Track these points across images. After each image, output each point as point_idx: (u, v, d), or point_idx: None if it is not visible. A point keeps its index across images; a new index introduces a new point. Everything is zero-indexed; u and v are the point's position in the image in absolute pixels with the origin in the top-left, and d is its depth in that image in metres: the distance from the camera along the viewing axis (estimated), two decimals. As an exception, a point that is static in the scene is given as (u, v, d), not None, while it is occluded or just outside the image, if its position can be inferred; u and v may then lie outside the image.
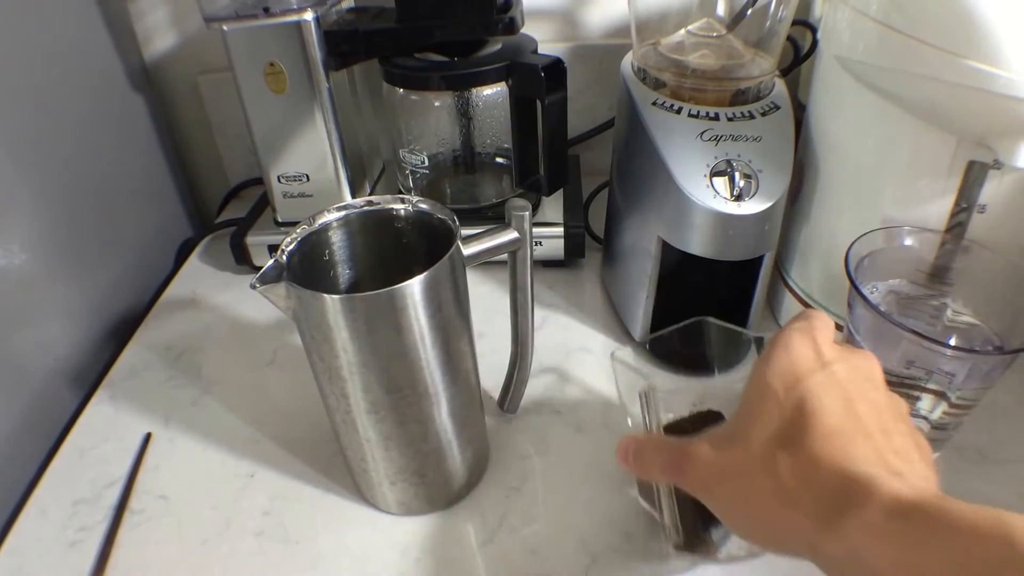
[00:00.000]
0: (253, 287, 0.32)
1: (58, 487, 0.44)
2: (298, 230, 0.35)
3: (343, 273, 0.39)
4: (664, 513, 0.35)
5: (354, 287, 0.39)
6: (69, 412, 0.51)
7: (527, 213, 0.37)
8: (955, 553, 0.20)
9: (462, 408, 0.38)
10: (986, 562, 0.19)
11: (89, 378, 0.53)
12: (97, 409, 0.50)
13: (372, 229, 0.38)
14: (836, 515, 0.23)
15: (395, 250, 0.38)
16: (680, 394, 0.39)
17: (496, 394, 0.46)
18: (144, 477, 0.44)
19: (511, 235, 0.37)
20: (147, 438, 0.47)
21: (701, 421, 0.38)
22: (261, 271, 0.32)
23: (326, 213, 0.37)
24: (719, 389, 0.40)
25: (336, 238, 0.37)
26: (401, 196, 0.38)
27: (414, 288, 0.32)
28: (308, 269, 0.36)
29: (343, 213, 0.37)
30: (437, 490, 0.40)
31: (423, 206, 0.37)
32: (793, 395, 0.26)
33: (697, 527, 0.35)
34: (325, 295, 0.31)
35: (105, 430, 0.48)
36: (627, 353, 0.40)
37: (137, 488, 0.43)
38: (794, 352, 0.27)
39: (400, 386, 0.34)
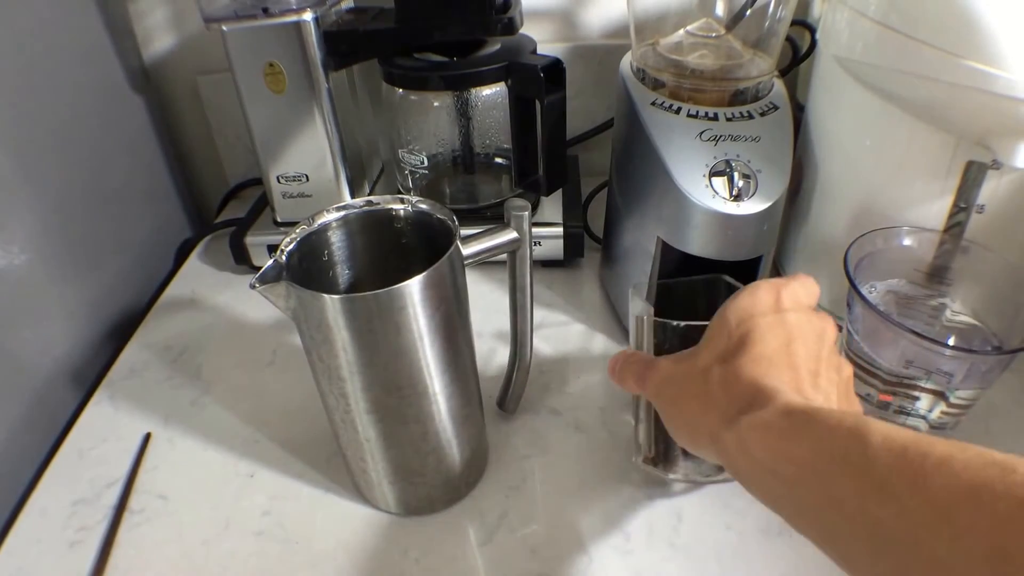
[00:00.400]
0: (253, 287, 0.32)
1: (58, 487, 0.44)
2: (297, 230, 0.35)
3: (342, 273, 0.39)
4: (640, 429, 0.39)
5: (354, 287, 0.39)
6: (69, 412, 0.51)
7: (526, 213, 0.37)
8: (817, 443, 0.24)
9: (461, 408, 0.38)
10: (843, 450, 0.23)
11: (89, 378, 0.53)
12: (97, 409, 0.50)
13: (371, 229, 0.38)
14: (738, 414, 0.27)
15: (394, 250, 0.38)
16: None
17: (496, 394, 0.46)
18: (143, 477, 0.44)
19: (510, 235, 0.37)
20: (146, 438, 0.47)
21: None
22: (261, 271, 0.32)
23: (325, 213, 0.37)
24: None
25: (335, 238, 0.37)
26: (400, 196, 0.38)
27: (413, 288, 0.32)
28: (307, 269, 0.36)
29: (342, 213, 0.37)
30: (436, 490, 0.40)
31: (422, 206, 0.37)
32: (742, 327, 0.30)
33: (670, 449, 0.39)
34: (325, 295, 0.31)
35: (105, 430, 0.48)
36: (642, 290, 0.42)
37: (137, 488, 0.43)
38: (756, 297, 0.31)
39: (399, 386, 0.34)
